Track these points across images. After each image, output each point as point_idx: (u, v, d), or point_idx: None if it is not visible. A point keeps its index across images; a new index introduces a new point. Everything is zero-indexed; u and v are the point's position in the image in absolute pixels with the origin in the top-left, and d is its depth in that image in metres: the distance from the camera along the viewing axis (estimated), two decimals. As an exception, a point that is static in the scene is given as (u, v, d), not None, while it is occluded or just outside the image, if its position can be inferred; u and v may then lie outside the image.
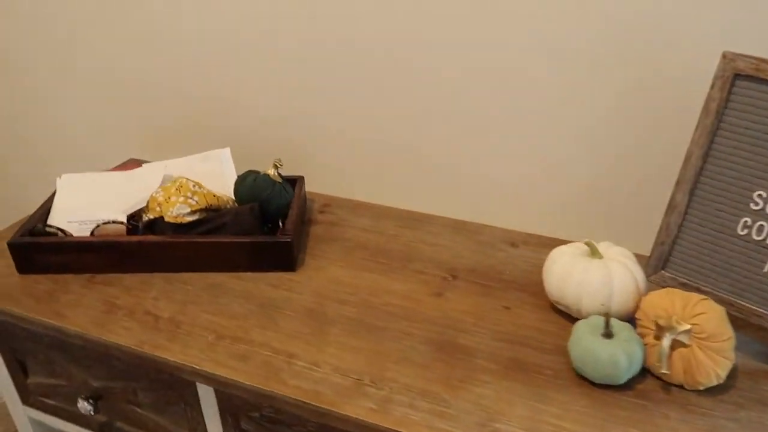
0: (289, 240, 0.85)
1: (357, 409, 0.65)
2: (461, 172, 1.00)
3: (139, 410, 0.86)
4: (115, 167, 1.14)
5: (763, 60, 0.64)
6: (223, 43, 1.06)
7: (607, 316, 0.67)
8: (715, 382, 0.65)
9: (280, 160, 0.94)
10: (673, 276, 0.74)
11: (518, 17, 0.86)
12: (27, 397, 0.96)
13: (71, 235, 0.88)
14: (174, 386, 0.79)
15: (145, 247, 0.85)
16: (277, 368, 0.70)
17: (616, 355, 0.65)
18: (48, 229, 0.88)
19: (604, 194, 0.92)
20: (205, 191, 0.90)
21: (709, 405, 0.65)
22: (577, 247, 0.78)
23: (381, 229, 0.99)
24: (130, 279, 0.86)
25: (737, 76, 0.66)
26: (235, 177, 1.00)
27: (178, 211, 0.87)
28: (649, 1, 0.78)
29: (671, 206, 0.73)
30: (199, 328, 0.77)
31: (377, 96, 1.00)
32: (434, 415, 0.64)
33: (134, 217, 0.91)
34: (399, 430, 0.62)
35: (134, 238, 0.86)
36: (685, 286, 0.73)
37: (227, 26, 1.05)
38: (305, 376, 0.69)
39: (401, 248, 0.94)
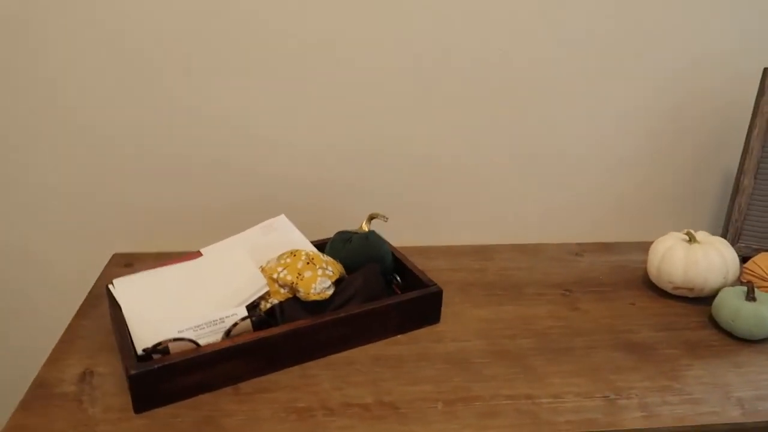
0: (439, 289, 0.82)
1: (633, 422, 0.68)
2: (508, 201, 1.08)
3: None
4: (164, 262, 0.93)
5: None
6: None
7: (750, 284, 0.83)
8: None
9: (383, 215, 0.89)
10: (747, 245, 0.93)
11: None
12: None
13: (200, 345, 0.71)
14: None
15: (298, 335, 0.73)
16: (533, 413, 0.69)
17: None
18: (174, 343, 0.69)
19: (649, 189, 1.09)
20: (331, 260, 0.81)
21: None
22: (677, 238, 0.92)
23: (466, 266, 1.01)
24: (282, 377, 0.73)
25: (781, 85, 0.89)
26: (307, 241, 0.91)
27: (321, 286, 0.77)
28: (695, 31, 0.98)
29: (740, 190, 0.92)
30: (415, 401, 0.70)
31: (403, 143, 1.02)
32: (688, 403, 0.71)
33: (254, 307, 0.77)
34: (678, 425, 0.68)
35: (282, 329, 0.73)
36: (757, 251, 0.92)
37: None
38: (562, 410, 0.69)
39: (500, 278, 0.97)
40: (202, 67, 0.93)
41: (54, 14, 0.87)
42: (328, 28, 0.92)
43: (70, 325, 0.83)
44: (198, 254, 0.87)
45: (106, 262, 1.04)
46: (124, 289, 0.78)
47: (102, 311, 0.86)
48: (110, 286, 0.79)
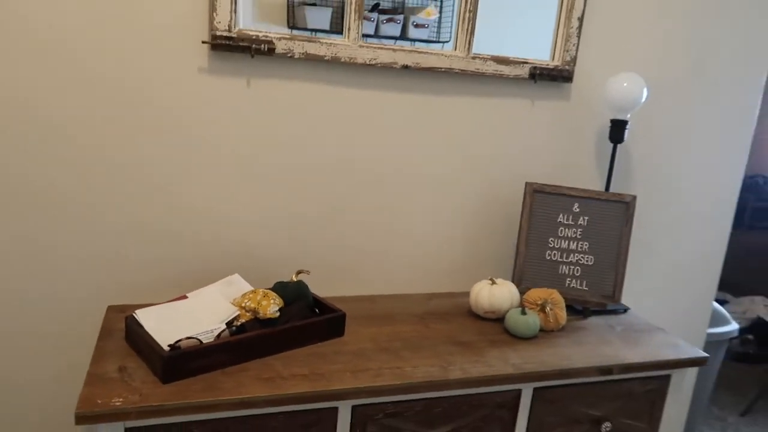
0: (344, 313, 1.33)
1: (455, 374, 1.21)
2: (386, 258, 1.63)
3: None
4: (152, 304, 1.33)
5: (544, 184, 1.54)
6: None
7: (523, 305, 1.43)
8: (563, 324, 1.47)
9: (306, 270, 1.40)
10: (525, 285, 1.55)
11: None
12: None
13: (202, 342, 1.14)
14: (316, 422, 1.16)
15: (263, 338, 1.20)
16: (402, 374, 1.19)
17: (534, 321, 1.40)
18: (186, 341, 1.12)
19: (471, 258, 1.69)
20: (277, 295, 1.29)
21: (564, 334, 1.45)
22: (485, 283, 1.51)
23: (357, 306, 1.52)
24: (252, 365, 1.18)
25: (535, 191, 1.55)
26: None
27: (272, 309, 1.24)
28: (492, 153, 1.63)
29: (519, 252, 1.55)
30: (335, 372, 1.18)
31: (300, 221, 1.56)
32: (486, 366, 1.26)
33: (231, 323, 1.22)
34: (477, 376, 1.22)
35: (254, 333, 1.19)
36: (529, 288, 1.54)
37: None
38: (418, 372, 1.21)
39: (380, 313, 1.49)
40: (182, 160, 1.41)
41: (87, 139, 1.33)
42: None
43: (97, 346, 1.22)
44: (185, 297, 1.31)
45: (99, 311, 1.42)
46: (143, 316, 1.20)
47: (116, 338, 1.25)
48: (135, 314, 1.21)
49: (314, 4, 1.43)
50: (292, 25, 1.42)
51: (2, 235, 1.32)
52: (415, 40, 1.53)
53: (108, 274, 1.41)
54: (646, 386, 1.42)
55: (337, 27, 1.43)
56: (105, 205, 1.37)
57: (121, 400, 1.03)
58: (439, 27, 1.56)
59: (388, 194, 1.58)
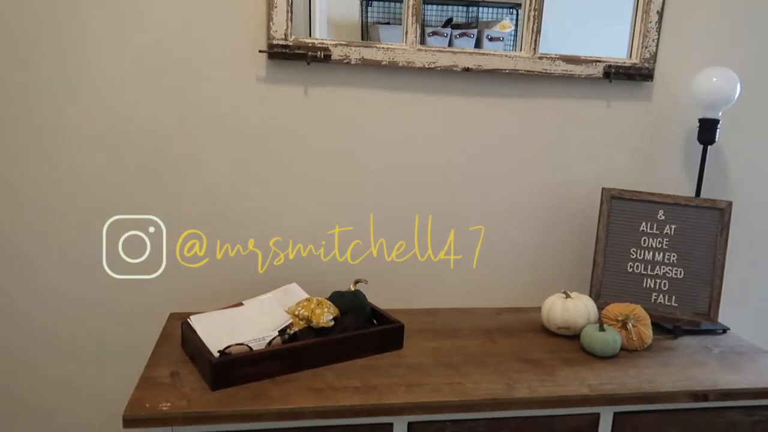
0: (402, 324, 1.26)
1: (520, 393, 1.10)
2: (448, 279, 1.55)
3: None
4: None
5: (623, 190, 1.41)
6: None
7: (601, 321, 1.29)
8: (649, 342, 1.31)
9: (364, 280, 1.35)
10: (604, 300, 1.41)
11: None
12: None
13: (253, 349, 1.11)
14: (369, 439, 1.09)
15: (315, 347, 1.16)
16: (461, 390, 1.10)
17: (614, 338, 1.26)
18: (237, 347, 1.10)
19: (544, 271, 1.57)
20: (332, 304, 1.25)
21: (649, 354, 1.30)
22: (558, 296, 1.39)
23: (420, 319, 1.44)
24: (302, 375, 1.14)
25: (613, 197, 1.42)
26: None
27: (326, 318, 1.20)
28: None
29: (596, 264, 1.42)
30: (388, 386, 1.11)
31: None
32: (556, 385, 1.13)
33: (283, 331, 1.19)
34: (545, 396, 1.10)
35: (305, 342, 1.15)
36: (608, 303, 1.40)
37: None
38: (479, 389, 1.11)
39: (443, 327, 1.41)
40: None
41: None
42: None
43: (153, 352, 1.22)
44: (240, 304, 1.30)
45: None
46: (197, 322, 1.20)
47: (173, 345, 1.25)
48: (189, 320, 1.20)
49: (388, 23, 1.41)
50: (365, 39, 1.41)
51: (76, 245, 1.38)
52: (490, 55, 1.47)
53: (172, 282, 1.43)
54: (751, 417, 1.23)
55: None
56: (169, 214, 1.40)
57: (168, 404, 1.01)
58: (514, 40, 1.50)
59: (453, 202, 1.51)
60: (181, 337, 1.23)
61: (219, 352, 1.09)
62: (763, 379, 1.21)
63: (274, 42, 1.32)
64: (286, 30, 1.32)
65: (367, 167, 1.45)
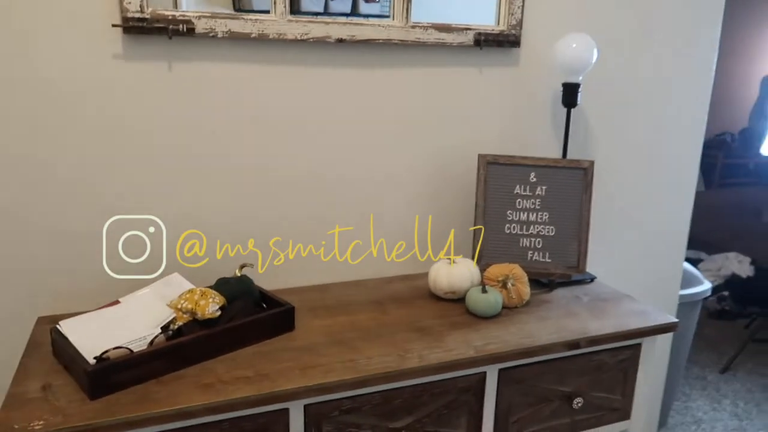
0: (292, 306, 1.25)
1: (411, 363, 1.14)
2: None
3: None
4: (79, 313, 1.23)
5: (497, 155, 1.47)
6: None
7: (483, 283, 1.36)
8: (527, 299, 1.40)
9: (250, 263, 1.31)
10: (486, 262, 1.48)
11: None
12: None
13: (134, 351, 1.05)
14: (265, 427, 1.08)
15: (201, 340, 1.11)
16: (354, 367, 1.12)
17: (495, 299, 1.33)
18: (115, 351, 1.03)
19: (428, 237, 1.61)
20: (217, 293, 1.20)
21: (528, 310, 1.39)
22: (443, 262, 1.43)
23: (311, 297, 1.43)
24: (190, 371, 1.09)
25: (489, 163, 1.47)
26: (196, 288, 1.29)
27: (212, 309, 1.15)
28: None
29: (477, 234, 1.48)
30: (281, 371, 1.10)
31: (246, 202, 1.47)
32: (445, 351, 1.18)
33: (167, 327, 1.13)
34: (437, 362, 1.14)
35: (190, 337, 1.10)
36: (489, 265, 1.47)
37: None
38: (372, 363, 1.13)
39: (335, 302, 1.41)
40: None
41: None
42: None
43: (20, 363, 1.12)
44: (117, 302, 1.21)
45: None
46: (68, 327, 1.11)
47: (43, 353, 1.15)
48: (58, 326, 1.11)
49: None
50: (238, 8, 1.32)
51: None
52: (368, 16, 1.43)
53: (35, 281, 1.31)
54: (616, 357, 1.36)
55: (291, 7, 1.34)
56: (23, 207, 1.26)
57: (41, 422, 0.94)
58: (392, 1, 1.47)
59: (332, 176, 1.49)
60: (52, 345, 1.14)
61: (95, 358, 1.02)
62: (624, 323, 1.34)
63: (129, 15, 1.21)
64: (142, 2, 1.21)
65: (240, 146, 1.39)
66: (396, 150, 1.53)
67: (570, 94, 1.53)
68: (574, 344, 1.26)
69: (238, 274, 1.30)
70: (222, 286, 1.26)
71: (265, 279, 1.43)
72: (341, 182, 1.50)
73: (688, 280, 2.27)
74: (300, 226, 1.49)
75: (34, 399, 1.00)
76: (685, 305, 2.14)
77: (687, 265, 2.28)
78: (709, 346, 3.05)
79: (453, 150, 1.58)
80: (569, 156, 1.58)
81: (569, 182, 1.50)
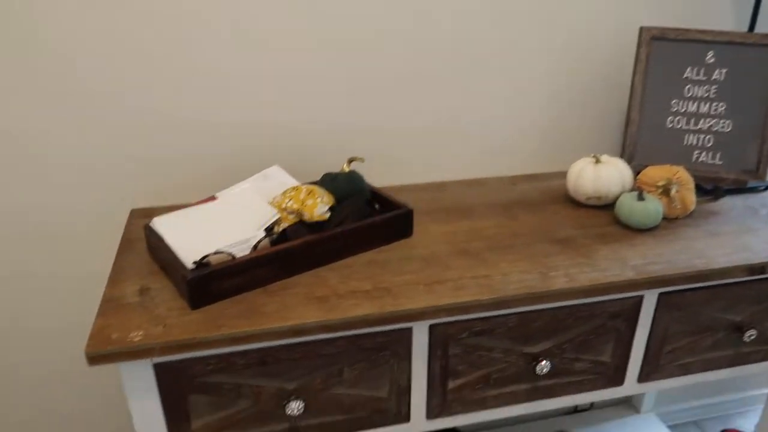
0: (411, 209, 1.06)
1: (560, 284, 0.94)
2: (456, 141, 1.32)
3: (334, 392, 0.95)
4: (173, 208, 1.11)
5: (665, 28, 1.15)
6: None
7: (639, 188, 1.11)
8: (692, 208, 1.15)
9: (360, 158, 1.12)
10: (638, 162, 1.22)
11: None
12: (187, 447, 0.92)
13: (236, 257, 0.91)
14: (385, 346, 0.93)
15: (311, 246, 0.95)
16: (489, 285, 0.93)
17: (655, 208, 1.09)
18: (216, 256, 0.89)
19: (566, 130, 1.36)
20: (325, 191, 1.03)
21: (693, 222, 1.14)
22: (587, 161, 1.19)
23: (425, 197, 1.24)
24: (299, 279, 0.95)
25: (654, 38, 1.17)
26: (298, 183, 1.12)
27: (321, 210, 0.99)
28: (569, 5, 1.24)
29: (630, 121, 1.20)
30: (403, 285, 0.93)
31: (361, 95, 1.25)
32: (597, 271, 0.97)
33: (270, 230, 0.98)
34: (591, 284, 0.94)
35: (299, 242, 0.95)
36: (645, 166, 1.21)
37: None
38: (510, 281, 0.94)
39: (453, 204, 1.21)
40: (192, 38, 1.12)
41: (72, 6, 1.04)
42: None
43: (115, 261, 1.01)
44: (213, 198, 1.07)
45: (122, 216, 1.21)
46: (163, 224, 0.97)
47: (138, 250, 1.04)
48: (151, 224, 0.98)
49: None
50: None
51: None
52: None
53: (130, 172, 1.18)
54: (799, 282, 1.11)
55: None
56: (120, 93, 1.11)
57: (140, 334, 0.82)
58: None
59: (453, 55, 1.24)
60: (147, 244, 1.02)
61: (194, 263, 0.89)
62: (820, 243, 1.07)
63: None
64: None
65: (353, 20, 1.15)
66: (529, 25, 1.24)
67: (773, -57, 1.16)
68: (758, 269, 1.02)
69: (347, 170, 1.12)
70: (329, 183, 1.08)
71: (373, 175, 1.25)
72: (464, 65, 1.25)
73: None
74: (413, 115, 1.27)
75: (131, 304, 0.89)
76: None
77: None
78: None
79: (600, 22, 1.27)
80: (758, 30, 1.23)
81: (758, 65, 1.17)
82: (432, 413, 1.01)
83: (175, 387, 0.87)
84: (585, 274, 0.97)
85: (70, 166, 1.15)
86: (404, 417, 1.00)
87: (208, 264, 0.89)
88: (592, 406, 1.73)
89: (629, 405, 1.76)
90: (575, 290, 0.94)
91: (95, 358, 0.80)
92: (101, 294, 1.24)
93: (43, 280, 1.22)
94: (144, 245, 1.05)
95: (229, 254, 0.90)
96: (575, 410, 1.73)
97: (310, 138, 1.23)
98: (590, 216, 1.17)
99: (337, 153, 1.25)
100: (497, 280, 0.95)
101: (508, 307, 0.93)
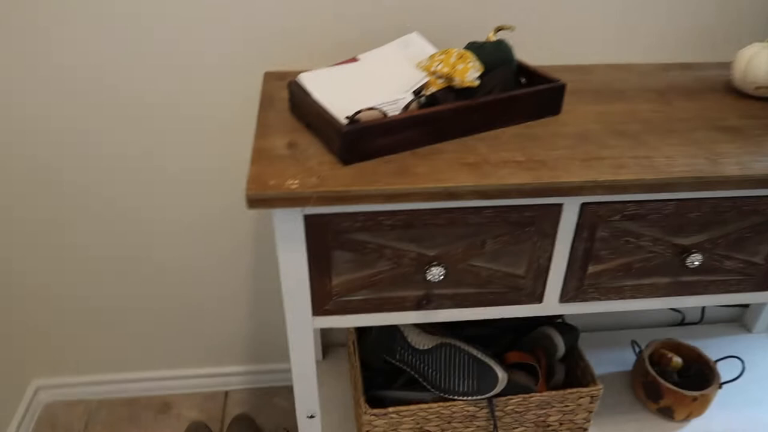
0: (563, 83, 0.99)
1: (732, 171, 0.86)
2: (597, 27, 1.21)
3: (473, 263, 0.94)
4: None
5: None
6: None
7: (827, 76, 0.98)
8: None
9: (509, 26, 1.04)
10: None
11: None
12: (325, 301, 0.94)
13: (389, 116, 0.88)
14: (531, 221, 0.90)
15: (462, 112, 0.91)
16: (653, 166, 0.87)
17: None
18: (367, 112, 0.87)
19: (728, 13, 1.21)
20: (475, 57, 0.97)
21: None
22: (761, 47, 1.06)
23: (572, 78, 1.15)
24: (448, 146, 0.92)
25: None
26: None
27: (472, 75, 0.93)
28: None
29: (821, 2, 1.05)
30: (558, 159, 0.88)
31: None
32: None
33: (419, 92, 0.94)
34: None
35: (451, 106, 0.91)
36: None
37: None
38: (676, 164, 0.87)
39: (602, 86, 1.12)
40: None
41: None
42: None
43: (258, 117, 1.00)
44: (355, 60, 1.03)
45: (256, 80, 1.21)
46: (310, 81, 0.95)
47: (279, 109, 1.03)
48: (298, 79, 0.96)
49: None
50: None
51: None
52: None
53: (262, 36, 1.15)
54: None
55: None
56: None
57: (297, 182, 0.82)
58: None
59: None
60: (290, 101, 1.00)
61: (347, 118, 0.86)
62: None
63: None
64: None
65: None
66: None
67: None
68: None
69: (493, 39, 1.04)
70: (476, 50, 1.01)
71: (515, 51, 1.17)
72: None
73: None
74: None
75: (282, 156, 0.88)
76: None
77: None
78: None
79: None
80: None
81: None
82: (566, 296, 0.99)
83: (322, 241, 0.88)
84: (761, 164, 0.88)
85: (213, 20, 1.13)
86: (537, 297, 0.99)
87: (359, 120, 0.86)
88: (702, 320, 1.67)
89: (740, 324, 1.69)
90: (748, 178, 0.86)
91: (255, 201, 0.80)
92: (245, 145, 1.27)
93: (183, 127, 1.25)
94: (284, 104, 1.03)
95: (382, 112, 0.88)
96: (682, 322, 1.68)
97: (451, 5, 1.16)
98: (758, 107, 1.05)
99: (477, 25, 1.17)
100: (661, 162, 0.88)
101: (673, 191, 0.86)
